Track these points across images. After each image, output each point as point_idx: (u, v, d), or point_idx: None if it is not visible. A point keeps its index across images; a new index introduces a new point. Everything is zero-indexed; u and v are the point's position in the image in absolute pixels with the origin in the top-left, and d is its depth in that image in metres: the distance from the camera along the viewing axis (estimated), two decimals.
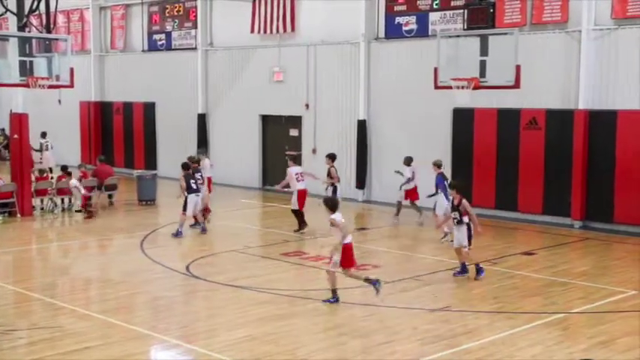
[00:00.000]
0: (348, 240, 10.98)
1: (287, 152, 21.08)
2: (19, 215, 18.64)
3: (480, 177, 19.31)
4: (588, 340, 9.62)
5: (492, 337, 9.65)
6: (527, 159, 18.40)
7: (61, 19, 29.70)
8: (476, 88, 15.71)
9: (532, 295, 11.86)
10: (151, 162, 27.58)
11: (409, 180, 17.93)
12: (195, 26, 26.20)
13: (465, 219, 12.72)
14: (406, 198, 18.01)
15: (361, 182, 21.86)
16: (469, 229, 12.81)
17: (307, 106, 23.19)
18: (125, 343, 9.34)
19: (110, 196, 20.97)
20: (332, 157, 17.82)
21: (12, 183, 18.97)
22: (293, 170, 17.15)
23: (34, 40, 19.34)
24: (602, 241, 16.29)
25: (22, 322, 10.24)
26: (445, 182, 15.96)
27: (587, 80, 17.48)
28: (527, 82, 16.38)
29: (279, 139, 24.32)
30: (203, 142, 26.00)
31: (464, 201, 12.75)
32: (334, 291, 11.15)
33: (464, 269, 12.82)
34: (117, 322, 10.15)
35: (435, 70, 16.48)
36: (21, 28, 19.83)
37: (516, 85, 15.40)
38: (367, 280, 11.16)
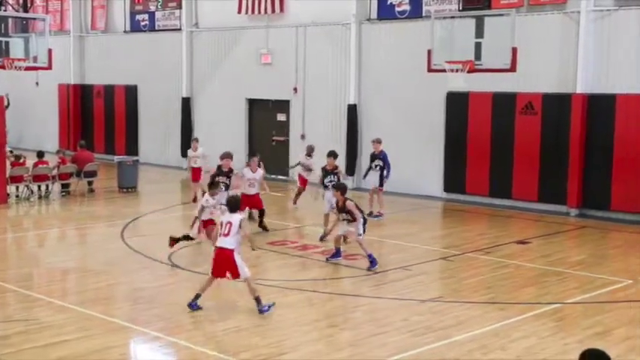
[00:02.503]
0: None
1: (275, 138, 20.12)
2: None
3: (473, 163, 19.35)
4: (583, 331, 9.68)
5: (484, 329, 9.70)
6: (523, 145, 18.44)
7: None
8: (471, 71, 15.69)
9: (526, 286, 11.91)
10: (132, 148, 27.50)
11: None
12: (179, 6, 26.07)
13: (359, 215, 12.75)
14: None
15: (351, 169, 21.86)
16: (364, 219, 12.95)
17: (296, 89, 23.15)
18: (104, 335, 9.33)
19: (90, 183, 20.91)
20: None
21: None
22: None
23: (10, 20, 19.21)
24: (599, 229, 16.38)
25: None
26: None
27: (586, 63, 17.51)
28: (524, 65, 16.38)
29: (267, 124, 24.30)
30: (187, 126, 25.94)
31: (348, 202, 12.73)
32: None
33: (338, 253, 13.09)
34: (95, 314, 10.13)
35: (429, 52, 16.45)
36: None
37: (512, 68, 15.39)
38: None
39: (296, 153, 23.07)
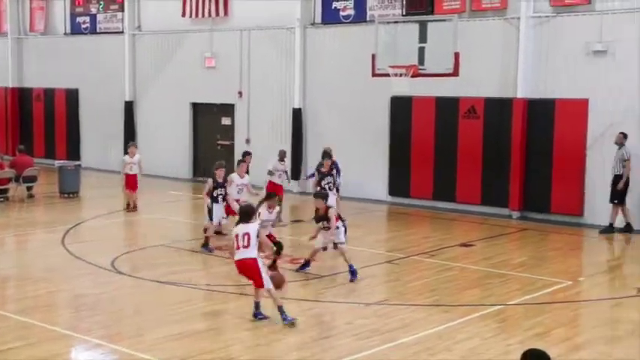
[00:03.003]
0: None
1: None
2: None
3: (417, 167, 19.56)
4: (525, 332, 9.84)
5: (429, 331, 9.79)
6: (466, 148, 18.71)
7: None
8: (414, 75, 15.86)
9: (470, 288, 12.09)
10: (73, 152, 27.02)
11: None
12: (121, 9, 25.74)
13: (339, 224, 12.40)
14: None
15: (296, 173, 21.87)
16: (344, 226, 12.64)
17: (240, 93, 23.08)
18: (44, 344, 9.13)
19: (29, 189, 20.46)
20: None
21: None
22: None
23: None
24: (540, 231, 16.71)
25: None
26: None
27: (526, 68, 17.86)
28: (466, 69, 16.63)
29: (211, 128, 24.16)
30: (130, 130, 25.63)
31: (331, 210, 12.36)
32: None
33: (307, 265, 12.72)
34: (35, 322, 9.91)
35: (373, 56, 16.58)
36: None
37: (455, 73, 15.60)
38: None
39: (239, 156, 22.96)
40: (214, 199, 14.37)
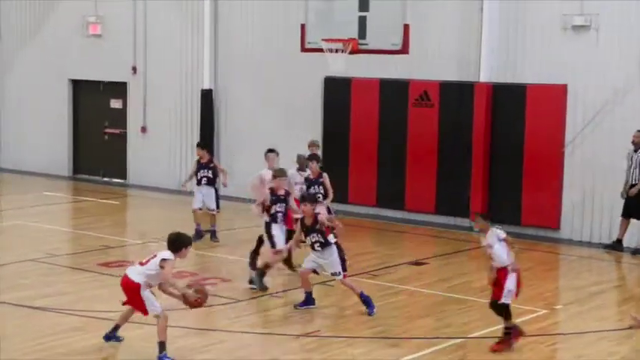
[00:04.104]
0: None
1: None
2: None
3: (357, 166, 19.58)
4: None
5: None
6: (417, 144, 18.83)
7: None
8: (354, 52, 15.86)
9: (422, 316, 12.12)
10: None
11: None
12: None
13: (331, 238, 12.02)
14: None
15: None
16: (340, 250, 12.19)
17: (134, 69, 22.80)
18: None
19: None
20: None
21: None
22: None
23: None
24: None
25: None
26: None
27: (491, 46, 18.07)
28: (418, 46, 16.71)
29: (97, 112, 23.88)
30: None
31: (320, 217, 12.09)
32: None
33: (309, 300, 12.32)
34: None
35: (302, 27, 16.52)
36: None
37: (404, 49, 15.66)
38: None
39: (135, 149, 22.69)
40: (273, 218, 13.40)
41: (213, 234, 16.41)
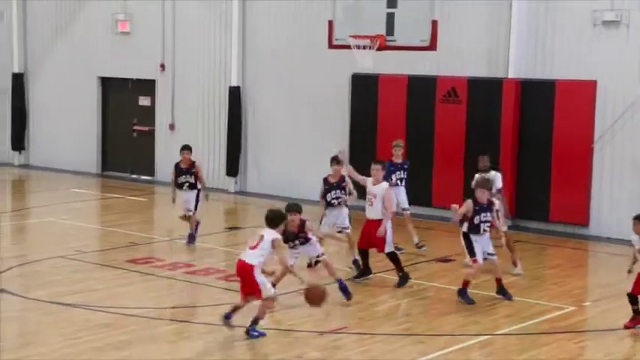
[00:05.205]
0: None
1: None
2: None
3: (387, 159, 19.54)
4: None
5: None
6: (445, 141, 18.82)
7: None
8: (381, 48, 15.87)
9: (449, 313, 12.11)
10: None
11: None
12: None
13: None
14: None
15: (234, 168, 21.78)
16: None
17: (163, 67, 22.90)
18: None
19: None
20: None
21: None
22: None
23: None
24: (536, 244, 16.88)
25: None
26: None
27: (519, 42, 18.03)
28: (446, 43, 16.70)
29: (125, 109, 24.00)
30: (20, 112, 25.27)
31: (308, 224, 12.47)
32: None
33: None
34: None
35: (330, 24, 16.56)
36: None
37: (432, 46, 15.66)
38: None
39: (163, 146, 22.82)
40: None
41: (192, 238, 15.81)
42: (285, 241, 12.02)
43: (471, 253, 12.63)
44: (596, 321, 12.09)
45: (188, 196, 15.80)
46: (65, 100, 24.76)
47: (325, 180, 14.32)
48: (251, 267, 10.49)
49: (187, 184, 15.77)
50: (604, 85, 17.29)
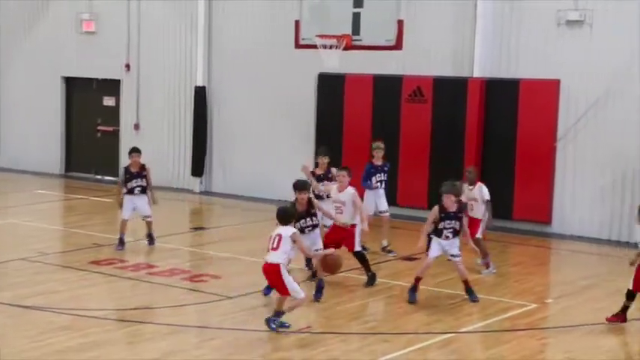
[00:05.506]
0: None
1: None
2: None
3: (350, 161, 19.55)
4: None
5: None
6: (410, 139, 18.89)
7: None
8: (347, 48, 15.93)
9: (413, 312, 12.16)
10: None
11: None
12: None
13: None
14: None
15: (199, 168, 21.73)
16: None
17: (128, 66, 22.82)
18: None
19: None
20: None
21: None
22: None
23: None
24: (499, 242, 16.96)
25: None
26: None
27: (484, 42, 18.14)
28: (412, 42, 16.77)
29: (90, 109, 23.90)
30: None
31: (315, 201, 12.73)
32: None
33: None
34: None
35: (297, 24, 16.59)
36: None
37: (398, 45, 15.74)
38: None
39: (128, 146, 22.62)
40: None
41: (151, 238, 15.67)
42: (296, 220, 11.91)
43: (427, 247, 12.75)
44: (558, 318, 12.18)
45: (141, 201, 15.43)
46: (29, 100, 24.61)
47: (312, 172, 14.62)
48: (277, 266, 10.72)
49: (139, 188, 15.32)
50: (567, 84, 17.45)
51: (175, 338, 10.73)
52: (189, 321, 11.47)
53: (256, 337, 10.90)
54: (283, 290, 10.85)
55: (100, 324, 11.11)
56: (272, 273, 10.85)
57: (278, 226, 10.99)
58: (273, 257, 10.80)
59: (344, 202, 13.36)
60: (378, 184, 15.73)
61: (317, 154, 14.47)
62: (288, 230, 10.90)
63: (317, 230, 12.50)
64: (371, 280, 13.38)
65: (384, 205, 15.84)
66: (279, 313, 10.91)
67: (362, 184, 15.72)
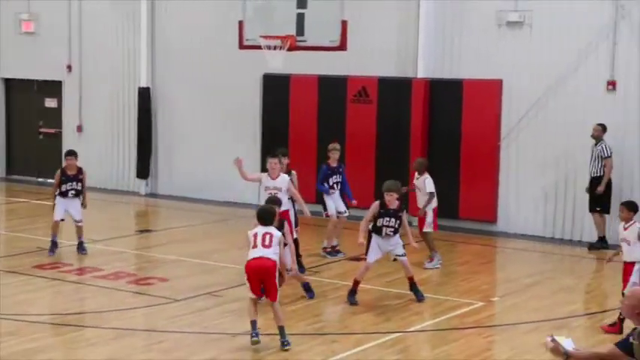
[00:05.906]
0: None
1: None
2: None
3: (296, 161, 19.59)
4: None
5: None
6: (356, 139, 18.96)
7: None
8: (292, 48, 15.93)
9: (361, 312, 12.24)
10: None
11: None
12: None
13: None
14: None
15: (144, 170, 21.59)
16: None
17: (70, 68, 22.61)
18: None
19: None
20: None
21: None
22: None
23: None
24: (446, 241, 17.11)
25: None
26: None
27: (428, 42, 18.27)
28: (356, 43, 16.83)
29: (31, 111, 23.66)
30: None
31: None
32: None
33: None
34: None
35: (241, 24, 16.56)
36: None
37: (342, 46, 15.78)
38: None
39: (71, 148, 22.43)
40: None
41: (81, 246, 15.38)
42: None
43: (367, 251, 12.73)
44: (503, 316, 12.38)
45: (73, 204, 15.14)
46: None
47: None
48: (274, 262, 10.38)
49: (73, 191, 15.03)
50: (509, 84, 17.67)
51: (122, 342, 10.69)
52: (135, 324, 11.43)
53: (205, 339, 10.88)
54: (273, 290, 10.42)
55: (45, 329, 11.04)
56: (268, 268, 10.32)
57: (257, 226, 10.55)
58: (267, 253, 10.33)
59: (281, 188, 13.44)
60: (335, 185, 15.80)
61: (275, 154, 14.13)
62: (274, 230, 10.54)
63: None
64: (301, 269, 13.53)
65: (342, 206, 15.93)
66: (281, 329, 10.54)
67: (317, 187, 15.84)
